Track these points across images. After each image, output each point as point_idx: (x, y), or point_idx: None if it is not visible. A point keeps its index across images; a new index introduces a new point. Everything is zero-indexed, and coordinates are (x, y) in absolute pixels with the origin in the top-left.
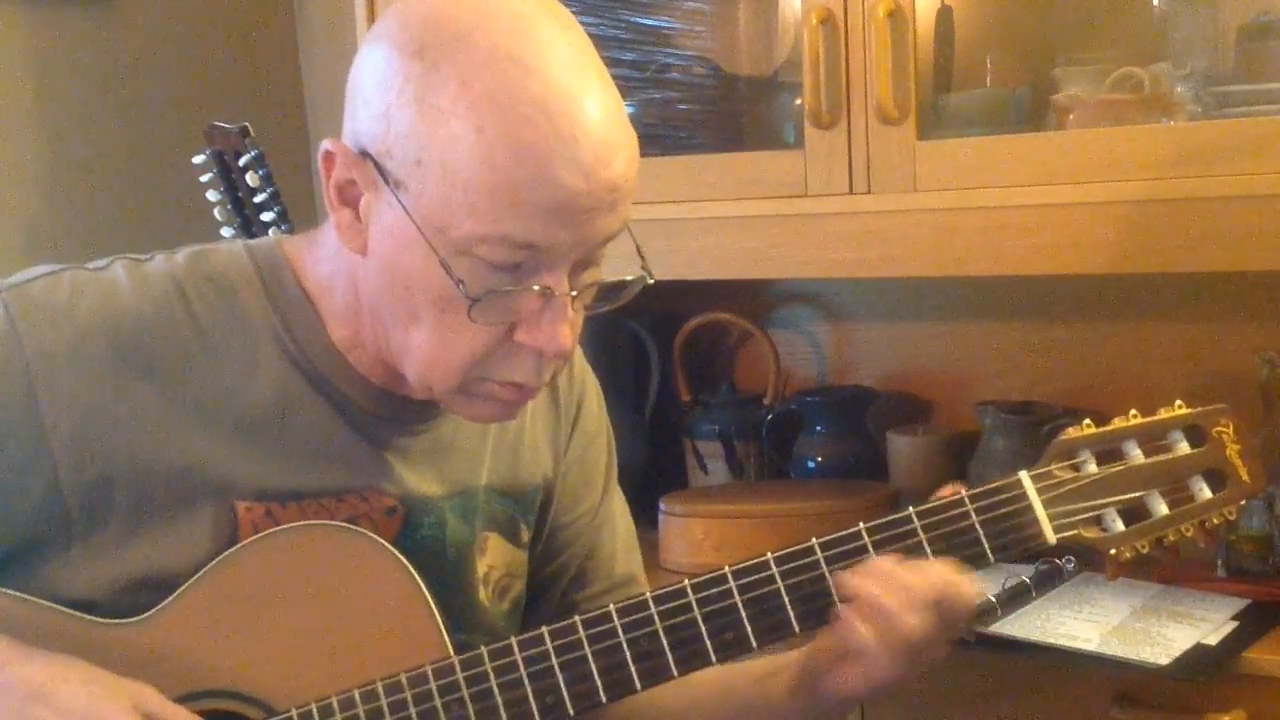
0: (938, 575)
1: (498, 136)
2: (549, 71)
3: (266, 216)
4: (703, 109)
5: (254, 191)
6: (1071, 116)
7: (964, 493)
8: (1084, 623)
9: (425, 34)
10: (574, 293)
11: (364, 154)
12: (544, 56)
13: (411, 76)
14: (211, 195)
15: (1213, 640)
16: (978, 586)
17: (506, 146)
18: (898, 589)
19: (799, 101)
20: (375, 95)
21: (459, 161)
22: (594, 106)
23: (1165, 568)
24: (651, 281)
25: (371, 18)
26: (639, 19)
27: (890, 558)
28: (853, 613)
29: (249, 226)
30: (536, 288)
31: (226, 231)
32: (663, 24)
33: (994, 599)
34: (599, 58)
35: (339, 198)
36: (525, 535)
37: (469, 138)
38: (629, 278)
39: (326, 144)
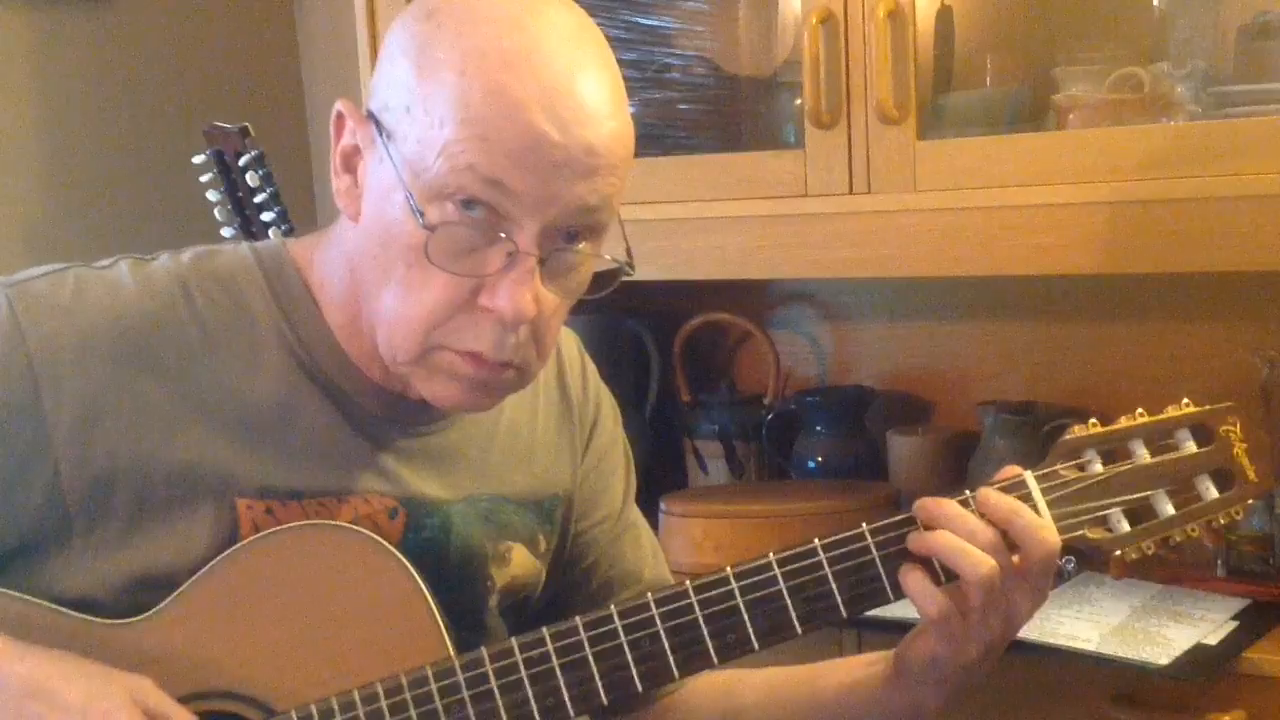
0: (999, 506)
1: (477, 77)
2: (545, 36)
3: (266, 216)
4: (703, 109)
5: (254, 191)
6: (1071, 116)
7: (969, 485)
8: (1084, 623)
9: (439, 2)
10: (540, 256)
11: (369, 114)
12: (544, 25)
13: (417, 35)
14: (211, 195)
15: (1213, 640)
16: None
17: (483, 87)
18: (961, 529)
19: (799, 101)
20: (385, 59)
21: (438, 101)
22: (584, 75)
23: (1166, 568)
24: (630, 274)
25: (371, 18)
26: (639, 19)
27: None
28: (910, 572)
29: (249, 226)
30: (504, 235)
31: (226, 231)
32: (663, 24)
33: None
34: (609, 50)
35: (343, 164)
36: (543, 546)
37: (452, 80)
38: (602, 268)
39: (339, 105)
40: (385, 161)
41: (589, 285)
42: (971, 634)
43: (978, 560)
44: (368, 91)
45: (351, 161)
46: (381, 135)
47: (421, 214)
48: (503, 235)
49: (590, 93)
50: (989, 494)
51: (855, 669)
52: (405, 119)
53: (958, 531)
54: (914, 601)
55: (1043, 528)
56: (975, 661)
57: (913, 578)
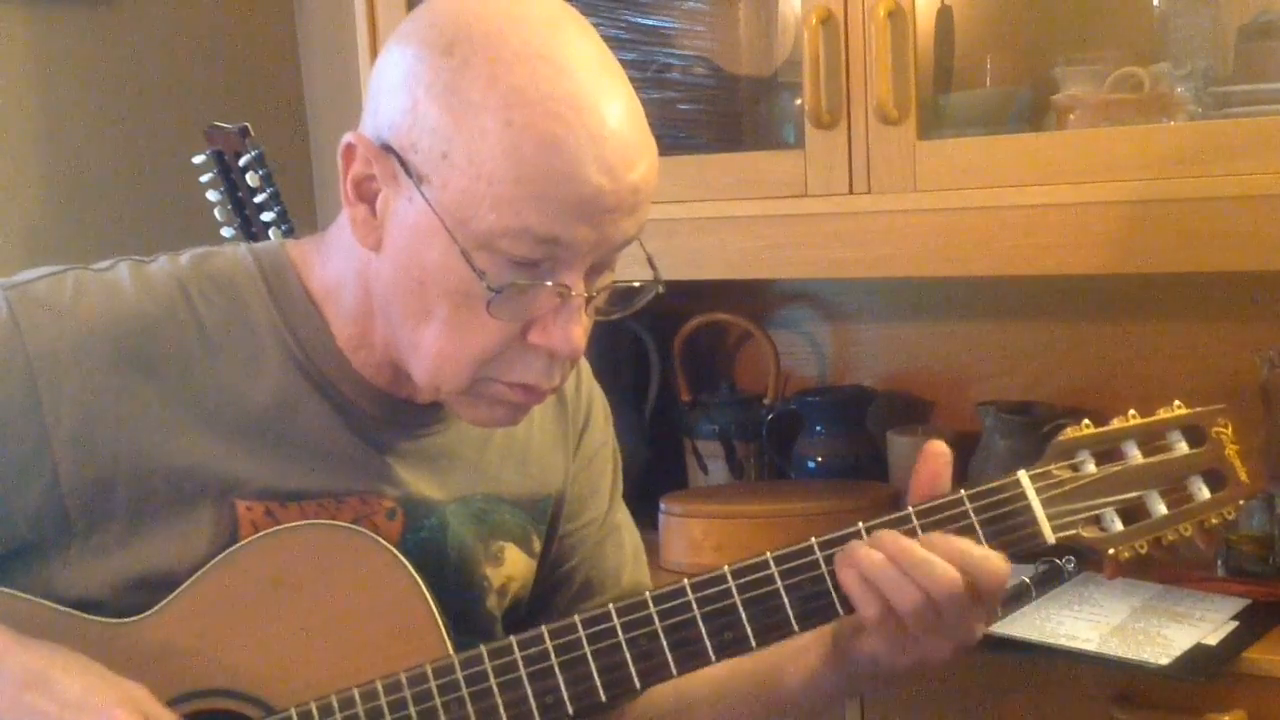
0: (942, 544)
1: (526, 129)
2: (578, 71)
3: (266, 216)
4: (703, 109)
5: (254, 191)
6: (1071, 116)
7: (963, 492)
8: (1084, 623)
9: (456, 32)
10: (589, 295)
11: (386, 148)
12: (573, 57)
13: (441, 71)
14: (211, 195)
15: (1213, 640)
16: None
17: (535, 140)
18: (897, 555)
19: (799, 101)
20: (402, 90)
21: (486, 153)
22: (620, 109)
23: (1165, 568)
24: (661, 290)
25: (371, 18)
26: (639, 19)
27: (892, 533)
28: (852, 581)
29: (249, 226)
30: (552, 284)
31: (226, 231)
32: (663, 24)
33: None
34: (620, 64)
35: (356, 193)
36: (537, 545)
37: (497, 130)
38: (637, 283)
39: (348, 137)
40: (417, 202)
41: (621, 302)
42: (909, 644)
43: (905, 594)
44: (370, 111)
45: (365, 190)
46: (410, 175)
47: (471, 261)
48: (555, 281)
49: (629, 130)
50: (926, 539)
51: (795, 649)
52: (442, 165)
53: (899, 561)
54: (853, 601)
55: (988, 559)
56: (924, 665)
57: (848, 575)
